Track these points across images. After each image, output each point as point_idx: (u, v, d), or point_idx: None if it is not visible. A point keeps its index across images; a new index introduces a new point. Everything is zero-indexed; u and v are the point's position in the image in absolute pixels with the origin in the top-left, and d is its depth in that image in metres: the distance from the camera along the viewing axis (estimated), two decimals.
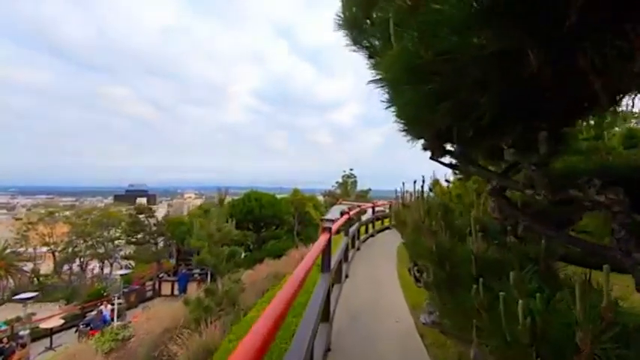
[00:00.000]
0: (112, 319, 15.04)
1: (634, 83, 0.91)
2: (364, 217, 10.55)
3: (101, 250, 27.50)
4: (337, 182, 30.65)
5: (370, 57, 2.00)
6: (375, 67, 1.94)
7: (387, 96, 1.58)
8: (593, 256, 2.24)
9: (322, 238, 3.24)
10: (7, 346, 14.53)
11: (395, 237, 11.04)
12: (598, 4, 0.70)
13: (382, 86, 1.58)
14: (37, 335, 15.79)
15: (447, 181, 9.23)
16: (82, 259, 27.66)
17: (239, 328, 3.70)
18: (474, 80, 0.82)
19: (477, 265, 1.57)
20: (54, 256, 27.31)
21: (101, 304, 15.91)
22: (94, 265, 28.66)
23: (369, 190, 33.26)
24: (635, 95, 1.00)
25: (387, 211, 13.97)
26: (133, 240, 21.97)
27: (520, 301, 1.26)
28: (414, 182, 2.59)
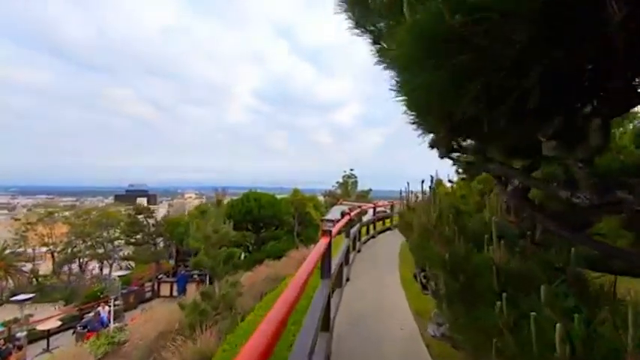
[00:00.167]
0: (110, 321, 14.86)
1: None
2: (365, 218, 10.35)
3: (100, 251, 27.32)
4: (337, 182, 30.44)
5: (375, 42, 1.80)
6: (380, 52, 1.74)
7: (395, 83, 1.38)
8: (612, 259, 2.04)
9: (322, 242, 3.04)
10: (3, 347, 14.34)
11: (396, 238, 10.84)
12: None
13: (390, 67, 1.38)
14: (35, 337, 15.60)
15: (450, 181, 9.04)
16: (81, 260, 27.49)
17: (234, 337, 3.51)
18: (520, 47, 0.62)
19: (499, 277, 1.37)
20: (53, 256, 27.15)
21: (99, 306, 15.72)
22: (94, 266, 28.49)
23: (370, 190, 33.04)
24: None
25: (388, 211, 13.79)
26: (132, 240, 21.77)
27: (558, 325, 1.06)
28: (422, 182, 2.39)
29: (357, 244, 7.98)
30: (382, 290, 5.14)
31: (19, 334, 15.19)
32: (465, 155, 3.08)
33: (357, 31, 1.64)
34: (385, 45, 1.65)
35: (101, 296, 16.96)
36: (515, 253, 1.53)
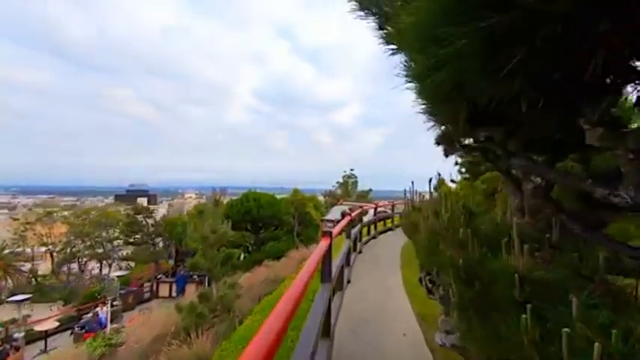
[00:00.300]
0: (107, 322, 14.72)
1: None
2: (366, 218, 10.20)
3: (100, 251, 27.19)
4: (338, 182, 30.29)
5: (380, 28, 1.65)
6: (386, 38, 1.60)
7: (405, 68, 1.24)
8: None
9: (322, 244, 2.90)
10: (0, 349, 14.20)
11: (397, 238, 10.67)
12: None
13: (400, 49, 1.23)
14: (32, 338, 15.46)
15: (452, 181, 8.88)
16: (80, 260, 27.36)
17: (231, 344, 3.36)
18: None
19: (522, 286, 1.22)
20: (52, 256, 27.02)
21: (97, 307, 15.58)
22: (93, 266, 28.37)
23: (370, 190, 32.87)
24: None
25: (389, 211, 13.63)
26: (131, 240, 21.62)
27: (596, 344, 0.91)
28: (429, 180, 2.24)
29: (358, 244, 7.83)
30: (384, 293, 4.99)
31: (16, 335, 15.06)
32: (472, 153, 2.93)
33: (361, 13, 1.49)
34: (391, 29, 1.50)
35: (99, 297, 16.80)
36: (534, 259, 1.39)
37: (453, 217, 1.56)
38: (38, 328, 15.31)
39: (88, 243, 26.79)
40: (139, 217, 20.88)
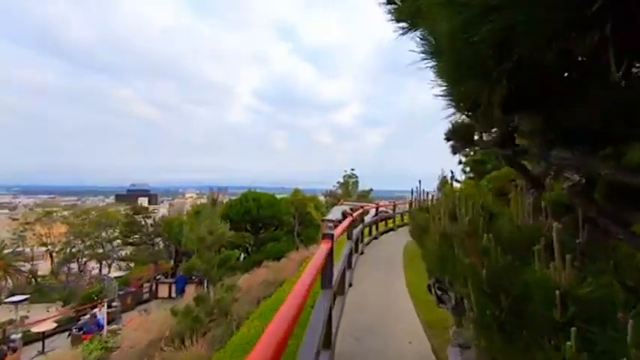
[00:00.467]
0: (105, 324, 14.56)
1: None
2: (367, 218, 9.99)
3: (99, 251, 27.04)
4: (338, 182, 30.12)
5: (389, 2, 1.44)
6: (395, 13, 1.39)
7: (422, 42, 1.03)
8: None
9: (323, 247, 2.69)
10: None
11: (399, 238, 10.47)
12: None
13: (415, 24, 1.03)
14: (30, 339, 15.30)
15: (456, 180, 8.65)
16: (80, 260, 27.23)
17: (225, 353, 3.16)
18: None
19: (564, 305, 1.02)
20: (51, 256, 26.89)
21: (95, 308, 15.40)
22: (93, 266, 28.23)
23: (371, 190, 32.71)
24: None
25: (390, 211, 13.45)
26: (129, 241, 21.46)
27: None
28: (443, 178, 2.03)
29: (360, 245, 7.62)
30: (387, 297, 4.78)
31: (13, 336, 14.90)
32: (487, 148, 2.71)
33: None
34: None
35: (96, 299, 16.60)
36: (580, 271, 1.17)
37: (474, 220, 1.35)
38: (35, 329, 15.14)
39: (88, 243, 26.65)
40: (138, 218, 20.69)
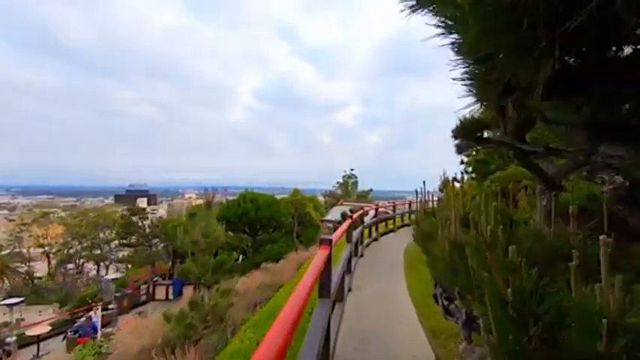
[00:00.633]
0: (102, 326, 14.32)
1: None
2: (366, 219, 9.79)
3: (97, 252, 26.79)
4: (338, 182, 29.96)
5: None
6: None
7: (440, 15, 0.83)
8: None
9: (321, 254, 2.49)
10: None
11: (400, 240, 10.26)
12: None
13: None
14: (25, 342, 15.06)
15: (457, 180, 8.46)
16: (77, 261, 26.97)
17: None
18: None
19: (612, 336, 0.82)
20: (48, 257, 26.64)
21: (91, 310, 15.15)
22: (90, 268, 27.98)
23: (371, 190, 32.56)
24: None
25: (391, 212, 13.27)
26: (126, 242, 21.21)
27: None
28: (453, 180, 1.83)
29: (360, 248, 7.42)
30: (389, 303, 4.57)
31: (8, 339, 14.66)
32: (498, 145, 2.51)
33: None
34: None
35: (90, 302, 16.33)
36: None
37: (496, 229, 1.15)
38: (30, 332, 14.89)
39: (85, 244, 26.41)
40: (135, 219, 20.46)
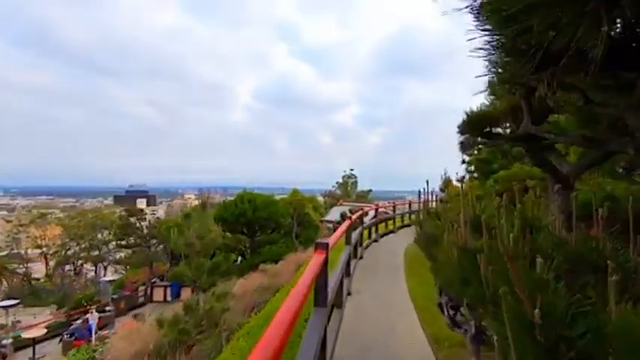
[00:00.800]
0: (99, 329, 14.14)
1: None
2: (366, 219, 9.60)
3: (95, 253, 26.61)
4: (337, 183, 29.81)
5: None
6: None
7: None
8: None
9: (316, 259, 2.30)
10: None
11: (400, 240, 10.08)
12: None
13: None
14: (21, 344, 14.87)
15: (458, 180, 8.27)
16: (75, 262, 26.79)
17: None
18: None
19: None
20: (46, 258, 26.46)
21: (87, 313, 14.96)
22: (88, 269, 27.80)
23: (370, 190, 32.43)
24: None
25: (391, 212, 13.10)
26: (123, 243, 21.02)
27: None
28: (461, 178, 1.65)
29: (359, 249, 7.23)
30: (389, 308, 4.40)
31: (4, 342, 14.48)
32: (512, 141, 2.34)
33: None
34: None
35: (85, 304, 16.13)
36: None
37: (518, 237, 0.96)
38: (25, 335, 14.68)
39: (83, 245, 26.23)
40: (133, 220, 20.27)
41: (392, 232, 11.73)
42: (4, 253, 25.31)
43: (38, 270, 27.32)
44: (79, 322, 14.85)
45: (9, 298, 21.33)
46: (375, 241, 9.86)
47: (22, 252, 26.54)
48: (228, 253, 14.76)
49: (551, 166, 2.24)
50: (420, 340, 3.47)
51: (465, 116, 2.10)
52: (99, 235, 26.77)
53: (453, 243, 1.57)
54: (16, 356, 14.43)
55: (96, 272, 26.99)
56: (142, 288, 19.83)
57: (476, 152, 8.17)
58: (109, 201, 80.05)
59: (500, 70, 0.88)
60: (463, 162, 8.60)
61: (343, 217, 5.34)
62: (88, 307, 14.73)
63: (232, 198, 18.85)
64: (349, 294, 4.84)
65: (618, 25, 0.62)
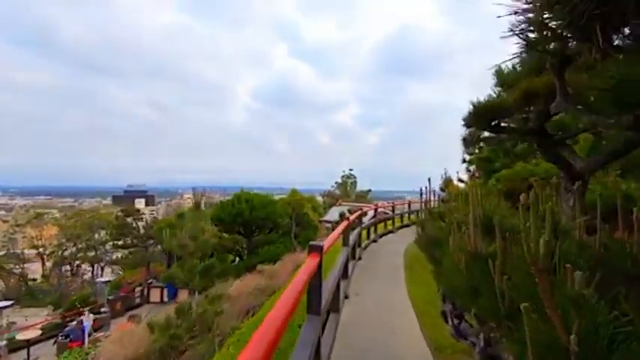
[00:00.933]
0: (94, 330, 13.94)
1: None
2: (365, 220, 9.42)
3: (92, 254, 26.38)
4: (337, 183, 29.67)
5: None
6: None
7: None
8: None
9: (309, 263, 2.12)
10: None
11: (399, 241, 9.90)
12: None
13: None
14: (15, 346, 14.66)
15: (460, 180, 8.08)
16: (72, 263, 26.57)
17: None
18: None
19: None
20: (42, 259, 26.23)
21: (82, 314, 14.74)
22: (85, 269, 27.58)
23: (369, 190, 32.29)
24: None
25: (390, 212, 12.95)
26: (120, 244, 20.81)
27: None
28: (472, 174, 1.42)
29: (357, 250, 7.05)
30: (389, 313, 4.21)
31: None
32: (522, 136, 2.17)
33: None
34: None
35: (79, 306, 15.90)
36: None
37: (550, 244, 0.78)
38: (20, 337, 14.48)
39: (80, 246, 26.00)
40: (129, 220, 20.05)
41: (391, 232, 11.57)
42: (2, 253, 25.11)
43: (35, 270, 27.10)
44: (73, 323, 14.63)
45: (5, 299, 21.12)
46: (374, 241, 9.69)
47: (19, 252, 26.32)
48: (225, 254, 14.55)
49: (565, 162, 2.05)
50: (421, 347, 3.30)
51: (470, 107, 1.92)
52: (96, 236, 26.54)
53: (460, 247, 1.40)
54: (10, 358, 14.23)
55: (93, 273, 26.76)
56: (138, 289, 19.62)
57: (477, 151, 7.99)
58: (108, 201, 79.79)
59: (530, 36, 0.71)
60: (464, 161, 8.39)
61: (342, 217, 5.16)
62: (82, 309, 14.51)
63: (229, 198, 18.65)
64: (347, 297, 4.66)
65: None
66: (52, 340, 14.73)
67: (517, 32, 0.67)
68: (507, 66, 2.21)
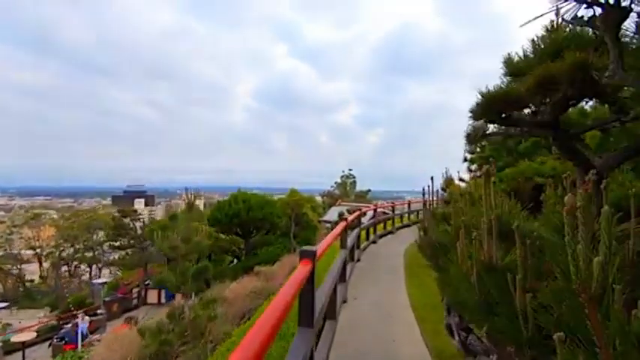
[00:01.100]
0: (90, 332, 13.75)
1: None
2: (364, 220, 9.23)
3: (89, 255, 26.18)
4: (336, 183, 29.52)
5: None
6: None
7: None
8: None
9: (300, 271, 1.92)
10: None
11: (399, 241, 9.71)
12: None
13: None
14: (11, 348, 14.48)
15: (461, 179, 7.88)
16: (70, 264, 26.37)
17: None
18: None
19: None
20: (39, 260, 26.04)
21: (77, 317, 14.55)
22: (83, 270, 27.39)
23: (369, 190, 32.14)
24: None
25: (390, 213, 12.77)
26: (117, 245, 20.60)
27: None
28: (479, 173, 1.29)
29: (356, 252, 6.86)
30: (388, 319, 4.02)
31: None
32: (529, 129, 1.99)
33: None
34: None
35: (72, 308, 15.70)
36: None
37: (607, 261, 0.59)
38: (15, 339, 14.30)
39: (78, 246, 25.80)
40: (127, 220, 19.85)
41: (391, 232, 11.38)
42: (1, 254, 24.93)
43: (34, 271, 26.91)
44: (69, 325, 14.44)
45: (2, 301, 20.93)
46: (374, 242, 9.50)
47: (16, 253, 26.13)
48: (222, 255, 14.34)
49: (583, 158, 1.85)
50: (422, 353, 3.11)
51: (478, 98, 1.73)
52: (94, 236, 26.35)
53: (469, 255, 1.20)
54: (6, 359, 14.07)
55: (91, 274, 26.56)
56: (136, 290, 19.43)
57: (479, 150, 7.80)
58: (108, 201, 79.62)
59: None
60: (465, 160, 8.21)
61: (341, 216, 4.98)
62: (75, 312, 14.31)
63: (227, 198, 18.42)
64: (345, 301, 4.47)
65: None
66: (47, 343, 14.55)
67: None
68: (517, 54, 2.02)
